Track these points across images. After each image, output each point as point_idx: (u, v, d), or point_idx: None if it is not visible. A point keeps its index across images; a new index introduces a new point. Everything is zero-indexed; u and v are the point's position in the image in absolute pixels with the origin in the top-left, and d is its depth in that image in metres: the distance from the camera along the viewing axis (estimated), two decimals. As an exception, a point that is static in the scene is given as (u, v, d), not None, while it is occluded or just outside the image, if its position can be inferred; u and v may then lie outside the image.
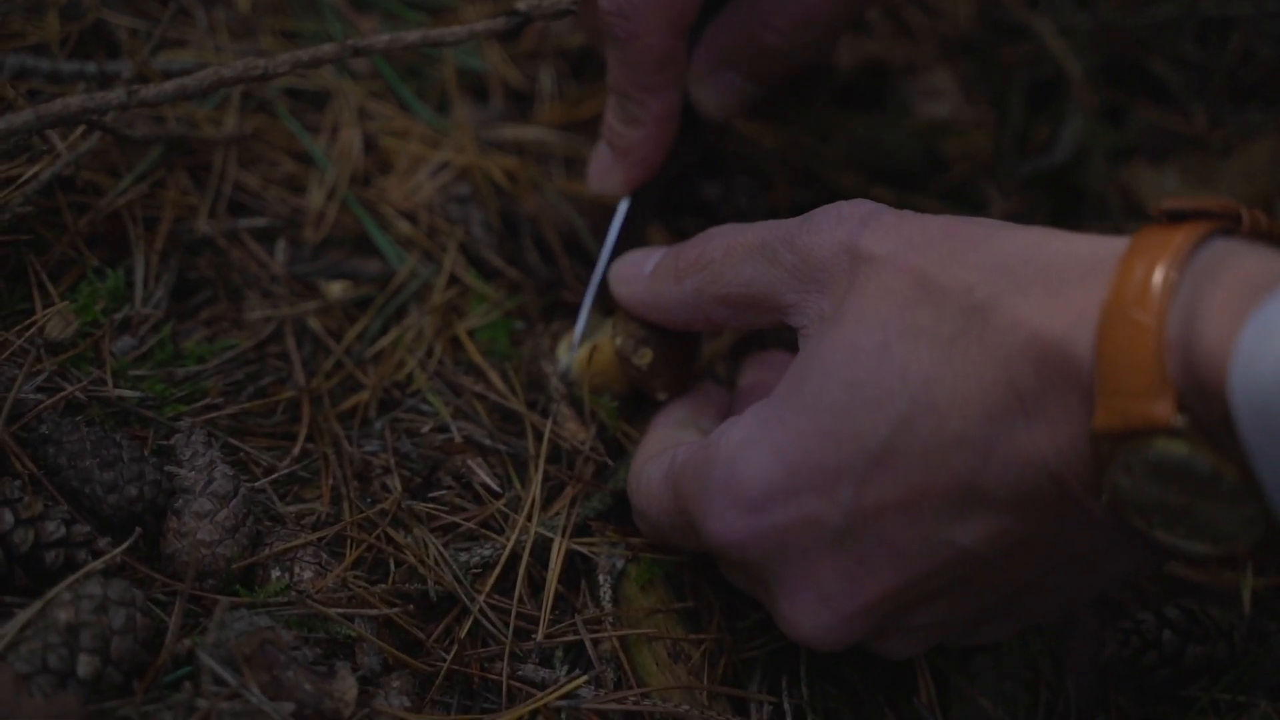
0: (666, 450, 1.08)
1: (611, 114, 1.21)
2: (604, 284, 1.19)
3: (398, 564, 1.10)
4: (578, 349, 1.21)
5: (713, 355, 1.30)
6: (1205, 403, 0.79)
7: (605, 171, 1.23)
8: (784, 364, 1.18)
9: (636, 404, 1.22)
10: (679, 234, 1.36)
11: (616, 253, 1.22)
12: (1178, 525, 0.84)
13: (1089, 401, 0.84)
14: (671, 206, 1.39)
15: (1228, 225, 0.86)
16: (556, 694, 1.05)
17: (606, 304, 1.20)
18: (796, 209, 1.41)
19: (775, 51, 1.20)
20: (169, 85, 1.05)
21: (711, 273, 1.06)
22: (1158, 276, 0.82)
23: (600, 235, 1.31)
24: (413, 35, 1.05)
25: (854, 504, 0.93)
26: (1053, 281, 0.86)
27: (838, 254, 0.98)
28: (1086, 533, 0.91)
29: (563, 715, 1.05)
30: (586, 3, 1.15)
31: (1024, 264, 0.88)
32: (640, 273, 1.13)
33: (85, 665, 0.93)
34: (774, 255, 1.02)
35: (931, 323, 0.90)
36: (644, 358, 1.15)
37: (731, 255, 1.05)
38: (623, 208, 1.25)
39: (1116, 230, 1.49)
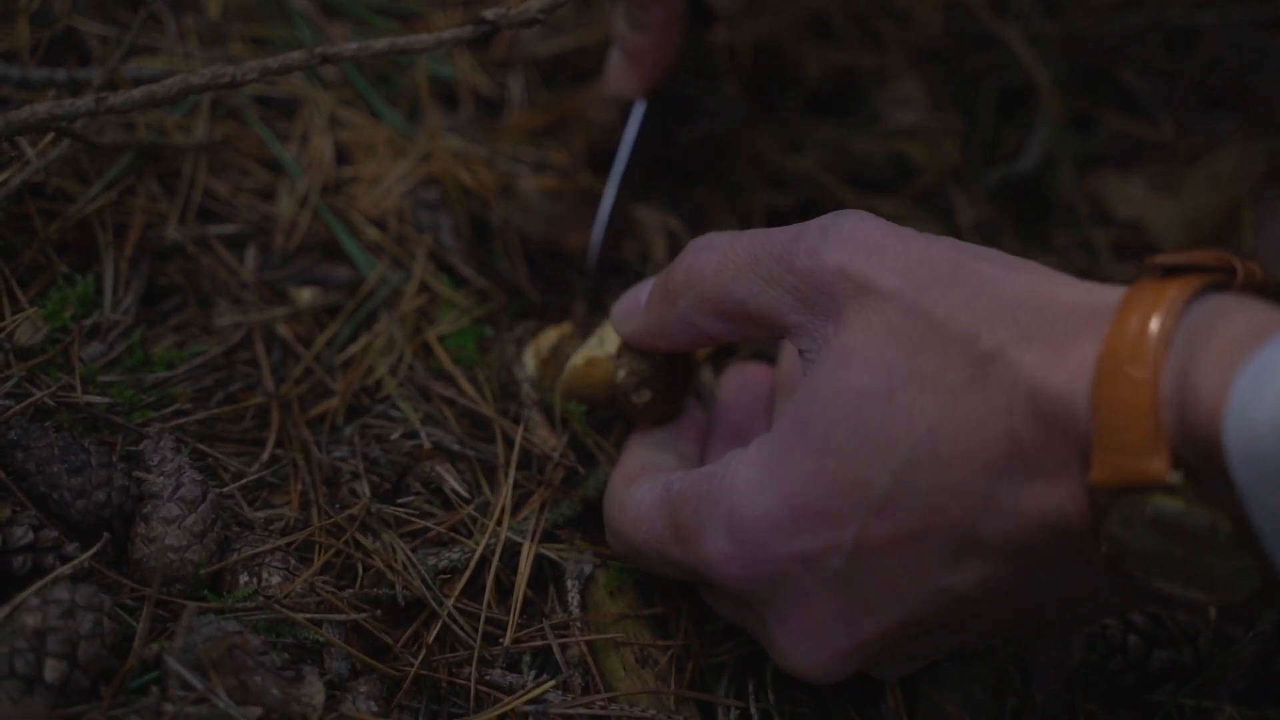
0: (652, 475, 1.08)
1: (620, 20, 1.24)
2: (623, 187, 1.22)
3: (366, 569, 1.10)
4: (593, 257, 1.24)
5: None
6: (1201, 456, 0.80)
7: (621, 75, 1.27)
8: (763, 376, 1.19)
9: (607, 411, 1.23)
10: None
11: (636, 150, 1.26)
12: (1176, 575, 0.84)
13: (1087, 455, 0.84)
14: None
15: (1221, 279, 0.86)
16: (524, 699, 1.06)
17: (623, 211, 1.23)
18: (772, 215, 1.43)
19: None
20: (137, 92, 1.05)
21: (704, 290, 1.04)
22: (1152, 331, 0.82)
23: (572, 236, 1.32)
24: (381, 43, 1.05)
25: (855, 547, 0.94)
26: (1054, 333, 0.87)
27: (840, 280, 0.96)
28: (1083, 576, 0.92)
29: (530, 720, 1.06)
30: None
31: (1029, 313, 0.88)
32: (638, 305, 1.11)
33: (52, 670, 0.93)
34: (770, 274, 1.00)
35: (936, 370, 0.90)
36: (643, 397, 1.14)
37: (724, 272, 1.03)
38: (639, 110, 1.28)
39: (1083, 237, 1.51)
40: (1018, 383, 0.86)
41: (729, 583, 1.00)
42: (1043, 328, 0.87)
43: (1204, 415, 0.78)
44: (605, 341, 1.16)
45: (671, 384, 1.15)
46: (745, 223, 1.42)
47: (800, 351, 1.00)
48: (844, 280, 0.95)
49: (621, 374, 1.14)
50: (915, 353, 0.91)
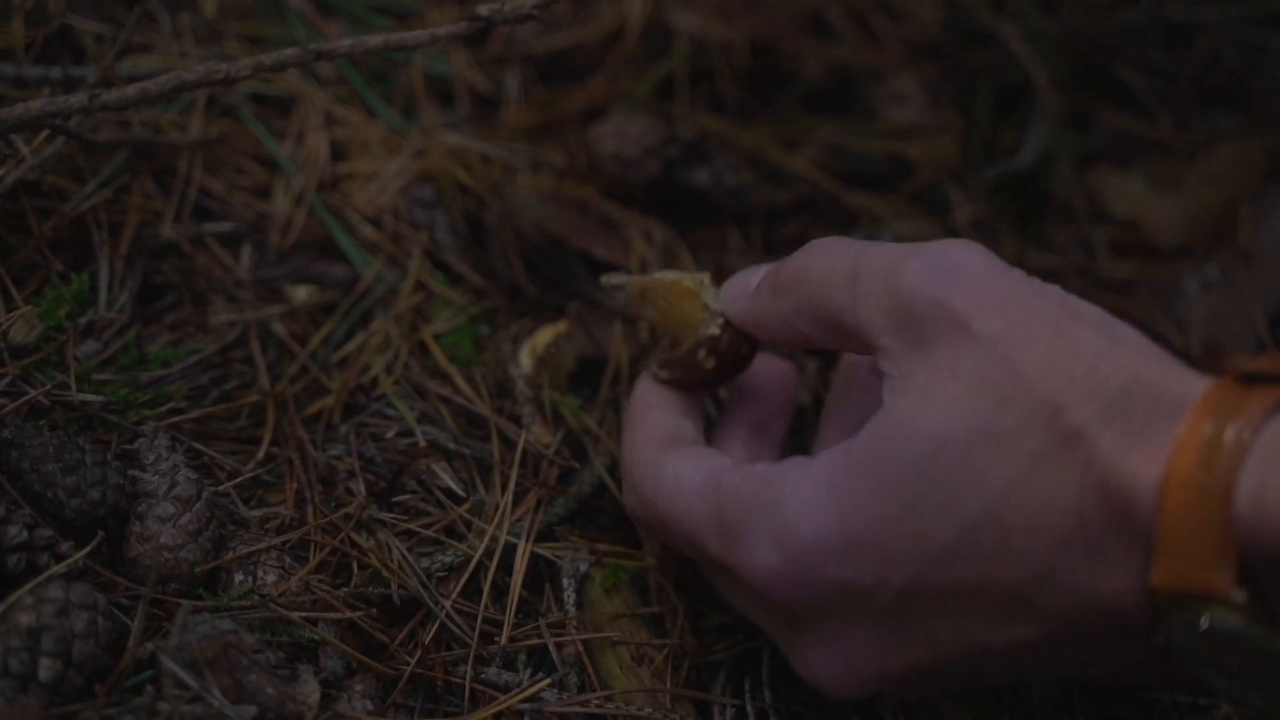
0: (687, 449, 1.06)
1: None
2: None
3: (362, 568, 1.10)
4: None
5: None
6: (1274, 569, 0.80)
7: None
8: (789, 376, 1.17)
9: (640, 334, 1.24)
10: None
11: None
12: (1234, 679, 0.84)
13: (1151, 550, 0.84)
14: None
15: None
16: (520, 697, 1.06)
17: None
18: (769, 212, 1.43)
19: None
20: (131, 89, 1.05)
21: (807, 293, 1.01)
22: (1228, 442, 0.81)
23: (569, 234, 1.33)
24: (375, 39, 1.05)
25: (906, 589, 0.92)
26: (1136, 418, 0.86)
27: (938, 312, 0.93)
28: (1132, 653, 0.92)
29: (526, 718, 1.05)
30: None
31: (1117, 392, 0.87)
32: (746, 290, 1.09)
33: (47, 669, 0.93)
34: (871, 291, 0.97)
35: (1017, 433, 0.88)
36: (709, 363, 1.11)
37: (829, 280, 1.00)
38: None
39: (1081, 234, 1.51)
40: (1092, 466, 0.86)
41: (768, 593, 0.98)
42: (1126, 410, 0.86)
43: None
44: (706, 288, 1.12)
45: (738, 366, 1.13)
46: (742, 222, 1.42)
47: (884, 374, 0.97)
48: (941, 313, 0.93)
49: (712, 331, 1.10)
50: (998, 408, 0.89)
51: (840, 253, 1.00)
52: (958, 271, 0.94)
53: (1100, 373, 0.88)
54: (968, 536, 0.89)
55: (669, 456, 1.06)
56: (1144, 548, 0.84)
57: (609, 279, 1.16)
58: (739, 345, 1.11)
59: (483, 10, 1.04)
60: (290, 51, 1.06)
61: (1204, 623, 0.82)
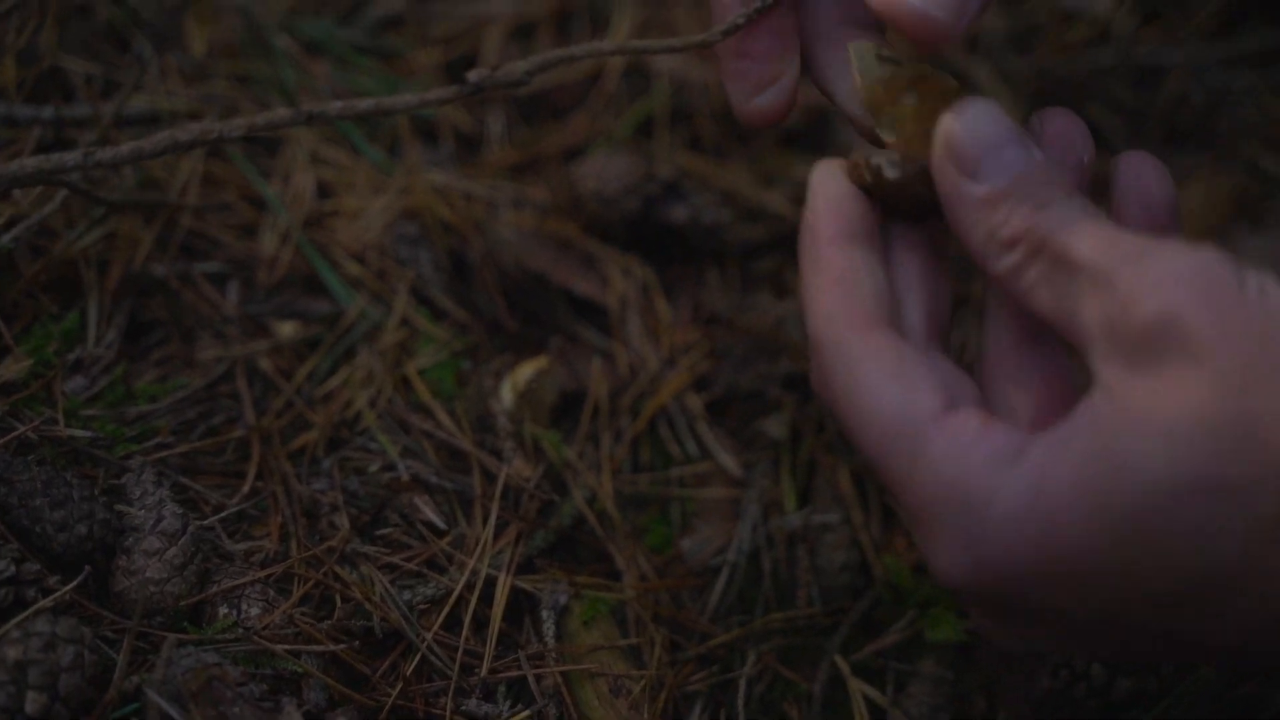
0: (895, 363, 0.91)
1: None
2: None
3: (344, 600, 1.11)
4: None
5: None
6: None
7: None
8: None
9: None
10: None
11: None
12: None
13: None
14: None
15: None
16: (499, 728, 1.07)
17: None
18: (749, 248, 1.44)
19: None
20: (125, 148, 1.06)
21: (1039, 253, 0.89)
22: None
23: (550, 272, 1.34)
24: (365, 103, 1.06)
25: (1106, 615, 0.85)
26: None
27: (1167, 329, 0.80)
28: None
29: (504, 749, 1.07)
30: None
31: None
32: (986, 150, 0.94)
33: (33, 702, 0.94)
34: (1086, 288, 0.85)
35: (1254, 490, 0.78)
36: (893, 171, 0.98)
37: (1058, 263, 0.87)
38: None
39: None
40: None
41: (949, 583, 0.88)
42: None
43: None
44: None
45: (915, 208, 1.00)
46: (719, 258, 1.44)
47: (1092, 367, 0.85)
48: (1174, 334, 0.80)
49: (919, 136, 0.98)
50: (1230, 458, 0.78)
51: (1067, 228, 0.88)
52: (1191, 282, 0.81)
53: None
54: (1190, 591, 0.81)
55: (869, 347, 0.92)
56: None
57: (884, 51, 1.01)
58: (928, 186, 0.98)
59: (472, 76, 1.04)
60: (283, 112, 1.06)
61: None
